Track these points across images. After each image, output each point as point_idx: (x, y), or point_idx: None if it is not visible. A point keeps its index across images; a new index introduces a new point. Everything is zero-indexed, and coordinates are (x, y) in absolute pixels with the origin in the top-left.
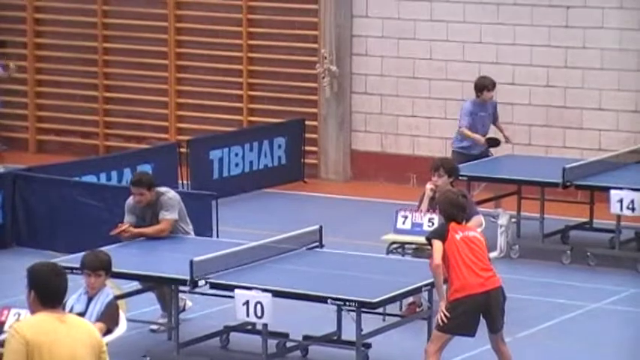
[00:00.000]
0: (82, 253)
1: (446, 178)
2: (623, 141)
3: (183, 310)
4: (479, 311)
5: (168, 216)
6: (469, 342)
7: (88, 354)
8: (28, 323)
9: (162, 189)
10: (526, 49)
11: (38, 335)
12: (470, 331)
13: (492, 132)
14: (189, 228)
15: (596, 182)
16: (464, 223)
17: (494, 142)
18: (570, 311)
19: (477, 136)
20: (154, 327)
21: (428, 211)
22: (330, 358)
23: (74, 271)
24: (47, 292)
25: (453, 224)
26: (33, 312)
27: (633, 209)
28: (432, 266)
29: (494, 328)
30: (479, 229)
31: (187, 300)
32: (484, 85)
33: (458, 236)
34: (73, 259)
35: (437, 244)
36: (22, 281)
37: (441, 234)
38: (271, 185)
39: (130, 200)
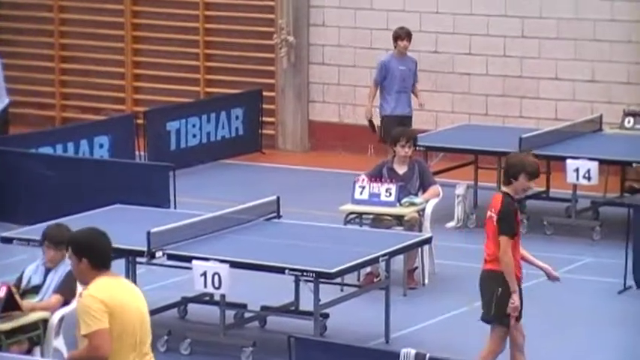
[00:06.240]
0: (39, 225)
1: (409, 147)
2: (580, 110)
3: None
4: None
5: None
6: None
7: (145, 309)
8: (98, 288)
9: None
10: (483, 18)
11: (112, 299)
12: None
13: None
14: None
15: (553, 152)
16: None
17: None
18: (526, 280)
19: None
20: None
21: (386, 180)
22: (288, 329)
23: (30, 243)
24: (98, 255)
25: None
26: (85, 280)
27: (589, 178)
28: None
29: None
30: (436, 199)
31: None
32: (397, 35)
33: None
34: (30, 231)
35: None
36: None
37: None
38: (229, 156)
39: None
